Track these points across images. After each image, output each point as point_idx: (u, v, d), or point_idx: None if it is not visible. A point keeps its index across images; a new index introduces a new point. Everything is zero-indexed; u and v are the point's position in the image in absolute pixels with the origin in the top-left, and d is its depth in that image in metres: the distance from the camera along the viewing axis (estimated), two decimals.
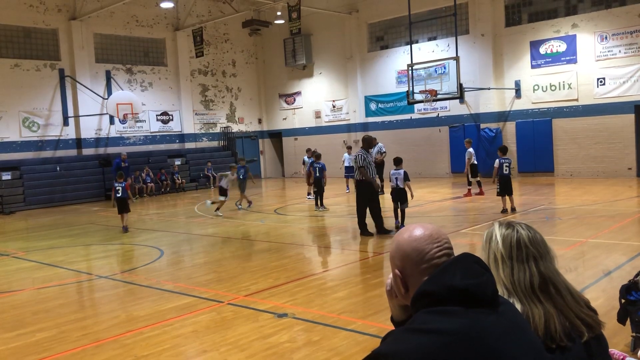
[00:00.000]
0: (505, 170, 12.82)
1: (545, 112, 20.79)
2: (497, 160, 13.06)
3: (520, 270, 2.10)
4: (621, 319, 4.81)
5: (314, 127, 28.01)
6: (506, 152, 13.25)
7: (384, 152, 18.38)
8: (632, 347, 4.65)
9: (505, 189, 12.76)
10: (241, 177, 16.50)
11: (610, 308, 5.19)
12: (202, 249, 10.97)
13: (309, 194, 18.06)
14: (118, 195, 13.43)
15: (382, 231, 11.10)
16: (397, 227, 11.30)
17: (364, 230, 11.20)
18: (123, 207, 13.44)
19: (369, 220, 11.21)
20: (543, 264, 2.12)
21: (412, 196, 11.81)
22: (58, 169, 22.04)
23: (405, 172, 11.50)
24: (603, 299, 5.97)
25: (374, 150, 18.65)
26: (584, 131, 19.99)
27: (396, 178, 11.51)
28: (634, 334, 4.66)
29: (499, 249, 2.14)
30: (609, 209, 12.56)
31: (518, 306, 2.04)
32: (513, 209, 12.78)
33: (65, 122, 23.06)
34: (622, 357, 4.48)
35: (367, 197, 11.19)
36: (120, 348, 5.50)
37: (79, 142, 23.45)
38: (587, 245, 9.08)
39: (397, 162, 11.81)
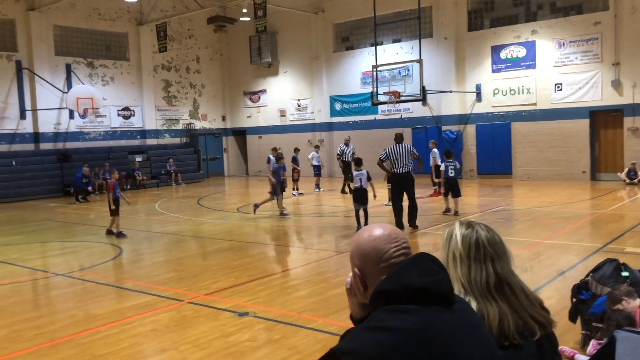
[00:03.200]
0: (451, 173, 13.04)
1: (505, 115, 21.26)
2: (442, 164, 13.49)
3: (477, 270, 2.16)
4: (572, 317, 4.98)
5: (279, 126, 27.96)
6: (451, 156, 13.50)
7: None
8: (581, 344, 4.82)
9: (451, 191, 13.06)
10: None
11: (562, 307, 5.36)
12: (162, 247, 10.84)
13: (293, 189, 18.18)
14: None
15: (412, 225, 11.36)
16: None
17: (397, 222, 11.28)
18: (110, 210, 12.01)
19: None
20: (500, 264, 2.19)
21: (374, 196, 11.93)
22: (14, 163, 21.41)
23: (367, 172, 11.61)
24: (556, 298, 6.16)
25: (349, 150, 18.77)
26: (541, 135, 20.53)
27: (360, 179, 11.59)
28: (583, 332, 4.84)
29: (458, 248, 2.20)
30: (564, 211, 12.94)
31: (473, 305, 2.10)
32: (456, 212, 12.87)
33: (22, 116, 22.41)
34: (572, 354, 4.66)
35: (395, 192, 11.55)
36: (77, 347, 5.40)
37: (36, 137, 22.83)
38: (543, 245, 9.33)
39: (358, 162, 11.91)
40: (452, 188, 13.02)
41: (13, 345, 5.52)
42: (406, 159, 11.50)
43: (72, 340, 5.60)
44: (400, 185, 11.53)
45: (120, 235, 11.65)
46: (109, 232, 11.84)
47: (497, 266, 2.18)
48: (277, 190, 14.22)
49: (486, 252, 2.18)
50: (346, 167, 18.35)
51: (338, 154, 19.23)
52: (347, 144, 18.99)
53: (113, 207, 11.66)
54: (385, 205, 14.92)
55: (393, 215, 11.50)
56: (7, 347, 5.48)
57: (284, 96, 27.61)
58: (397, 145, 11.65)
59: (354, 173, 11.76)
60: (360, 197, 11.55)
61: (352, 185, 12.03)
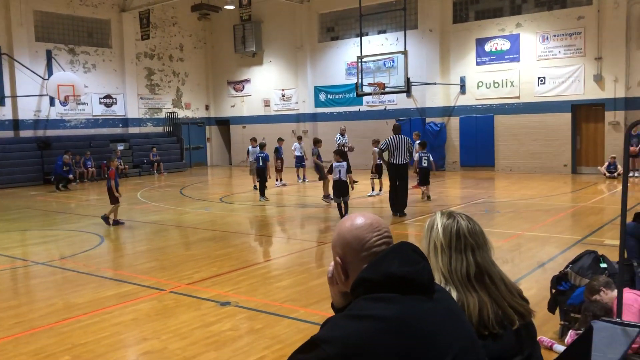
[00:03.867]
0: (425, 163, 14.17)
1: (488, 108, 21.38)
2: (416, 154, 14.32)
3: (457, 260, 2.18)
4: (551, 308, 5.04)
5: (262, 116, 27.84)
6: (425, 147, 14.77)
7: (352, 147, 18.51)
8: (560, 334, 4.89)
9: (423, 180, 14.15)
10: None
11: (542, 298, 5.43)
12: (144, 236, 10.77)
13: (277, 180, 18.23)
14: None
15: (402, 212, 11.76)
16: None
17: (392, 210, 11.80)
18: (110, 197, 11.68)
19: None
20: (480, 254, 2.21)
21: (352, 188, 12.02)
22: None
23: (347, 165, 11.73)
24: (536, 289, 6.23)
25: (344, 141, 18.69)
26: (523, 128, 20.69)
27: (339, 170, 11.64)
28: (562, 322, 4.90)
29: (439, 238, 2.21)
30: (545, 204, 13.09)
31: (454, 294, 2.12)
32: (428, 197, 13.99)
33: (1, 102, 22.03)
34: (550, 343, 4.72)
35: (393, 179, 11.88)
36: (57, 336, 5.35)
37: (16, 124, 22.46)
38: (524, 237, 9.44)
39: (341, 154, 11.97)
40: (424, 177, 14.17)
41: None
42: (404, 150, 11.87)
43: (52, 329, 5.55)
44: (397, 175, 11.85)
45: (117, 223, 11.57)
46: (112, 221, 11.63)
47: (477, 256, 2.20)
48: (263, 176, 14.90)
49: (467, 242, 2.20)
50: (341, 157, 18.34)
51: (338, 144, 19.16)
52: (342, 134, 18.92)
53: (117, 194, 11.53)
54: (369, 196, 14.97)
55: (382, 205, 11.68)
56: None
57: (268, 86, 27.48)
58: (396, 136, 11.93)
59: (334, 164, 11.82)
60: (340, 189, 11.56)
61: (331, 178, 12.11)
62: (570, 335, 4.58)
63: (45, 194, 18.24)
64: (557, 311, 5.01)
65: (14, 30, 22.06)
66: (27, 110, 22.66)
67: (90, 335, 5.33)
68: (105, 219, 11.65)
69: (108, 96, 25.46)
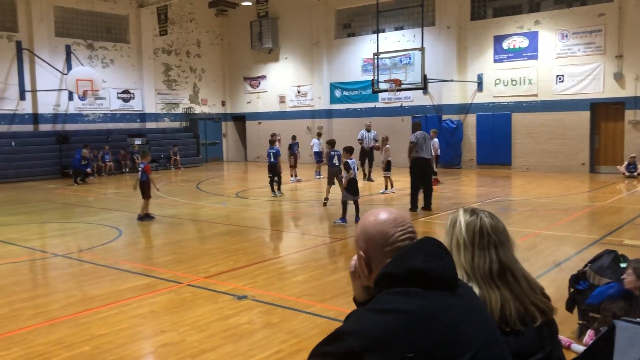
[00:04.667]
0: (336, 162, 13.28)
1: (506, 106, 21.23)
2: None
3: (480, 257, 2.18)
4: (569, 307, 5.01)
5: (278, 112, 27.89)
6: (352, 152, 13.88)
7: (377, 140, 18.41)
8: (578, 334, 4.86)
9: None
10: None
11: (558, 297, 5.38)
12: (161, 230, 10.86)
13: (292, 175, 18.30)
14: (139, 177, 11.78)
15: (428, 207, 11.90)
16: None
17: (412, 205, 11.91)
18: (142, 192, 11.62)
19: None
20: (503, 251, 2.21)
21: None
22: (13, 144, 21.35)
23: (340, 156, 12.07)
24: (552, 288, 6.18)
25: (371, 136, 18.66)
26: (541, 126, 20.52)
27: (354, 167, 11.77)
28: (580, 322, 4.87)
29: (462, 235, 2.21)
30: (562, 203, 12.97)
31: (476, 290, 2.12)
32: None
33: (22, 97, 22.32)
34: (568, 343, 4.70)
35: (418, 175, 11.93)
36: (76, 327, 5.43)
37: (35, 118, 22.76)
38: (540, 236, 9.37)
39: (349, 151, 12.10)
40: (390, 168, 15.00)
41: (12, 324, 5.56)
42: (429, 146, 12.17)
43: (71, 320, 5.63)
44: (422, 169, 11.99)
45: (149, 217, 11.55)
46: (144, 215, 11.55)
47: (500, 253, 2.20)
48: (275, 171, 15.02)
49: (490, 239, 2.20)
50: (364, 154, 18.40)
51: (359, 139, 19.06)
52: (368, 130, 18.84)
53: (157, 188, 11.49)
54: (381, 193, 14.96)
55: (397, 202, 11.70)
56: (7, 326, 5.51)
57: (284, 82, 27.52)
58: (421, 132, 12.18)
59: (333, 156, 12.31)
60: (354, 187, 11.23)
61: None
62: (589, 335, 4.55)
63: (63, 187, 18.47)
64: (575, 310, 4.98)
65: (34, 25, 22.33)
66: (46, 104, 22.95)
67: (109, 327, 5.40)
68: (142, 217, 11.52)
69: (126, 91, 25.68)
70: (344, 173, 11.31)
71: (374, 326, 1.58)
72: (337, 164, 13.12)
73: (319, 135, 21.06)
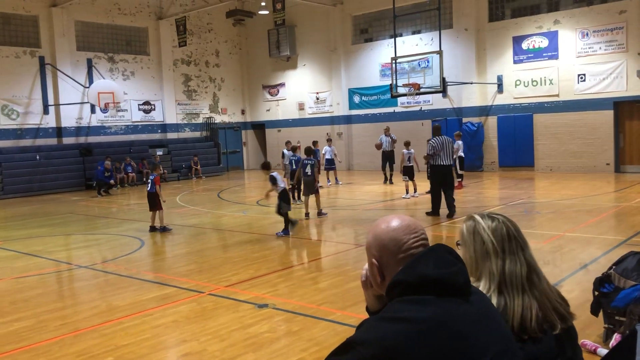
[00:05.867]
0: (308, 171, 12.82)
1: (527, 107, 20.99)
2: (406, 152, 15.60)
3: (512, 262, 2.11)
4: (594, 311, 4.91)
5: (297, 119, 27.98)
6: (409, 145, 15.93)
7: (395, 139, 19.02)
8: (604, 338, 4.76)
9: (408, 175, 15.10)
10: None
11: (584, 300, 5.30)
12: (183, 239, 10.94)
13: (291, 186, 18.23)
14: (147, 189, 11.84)
15: (451, 213, 11.59)
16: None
17: (433, 209, 11.81)
18: (150, 204, 11.69)
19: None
20: (527, 252, 2.17)
21: (320, 186, 12.22)
22: (38, 157, 21.75)
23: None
24: (578, 291, 6.09)
25: (387, 140, 18.81)
26: (564, 127, 20.23)
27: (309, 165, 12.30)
28: (606, 325, 4.77)
29: (490, 242, 2.14)
30: (587, 204, 12.76)
31: (494, 298, 2.07)
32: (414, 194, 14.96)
33: (46, 111, 22.76)
34: (594, 347, 4.60)
35: (438, 181, 11.82)
36: (100, 338, 5.48)
37: (59, 131, 23.17)
38: (565, 238, 9.22)
39: (309, 152, 12.59)
40: (409, 173, 15.07)
41: (39, 335, 5.64)
42: (450, 151, 11.81)
43: (96, 331, 5.69)
44: (442, 176, 11.75)
45: (164, 229, 11.58)
46: (159, 227, 11.58)
47: (526, 255, 2.16)
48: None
49: (517, 242, 2.15)
50: (384, 157, 18.60)
51: (377, 144, 19.22)
52: (386, 134, 18.97)
53: (163, 200, 11.72)
54: (403, 198, 14.88)
55: (417, 207, 11.58)
56: (33, 337, 5.59)
57: (303, 89, 27.60)
58: (439, 137, 11.86)
59: (304, 161, 12.51)
60: (287, 198, 10.98)
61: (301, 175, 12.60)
62: (616, 339, 4.45)
63: (87, 199, 18.74)
64: (601, 314, 4.88)
65: (56, 40, 22.77)
66: (69, 117, 23.35)
67: (132, 337, 5.45)
68: (162, 228, 11.58)
69: (147, 102, 26.01)
70: (280, 184, 10.76)
71: (385, 335, 1.56)
72: (309, 173, 12.52)
73: (330, 141, 21.03)
